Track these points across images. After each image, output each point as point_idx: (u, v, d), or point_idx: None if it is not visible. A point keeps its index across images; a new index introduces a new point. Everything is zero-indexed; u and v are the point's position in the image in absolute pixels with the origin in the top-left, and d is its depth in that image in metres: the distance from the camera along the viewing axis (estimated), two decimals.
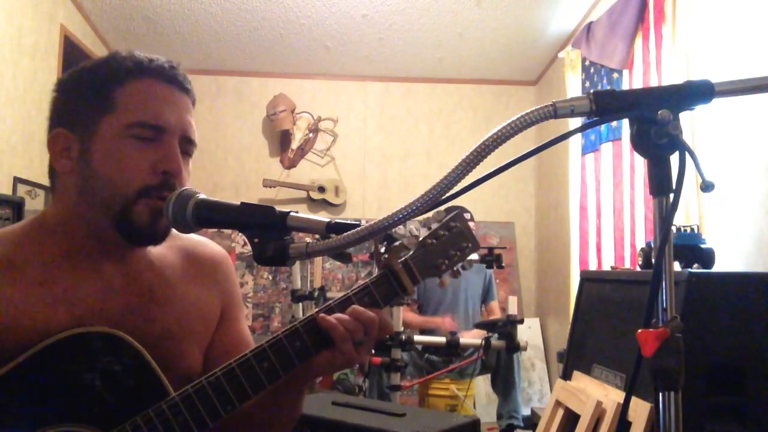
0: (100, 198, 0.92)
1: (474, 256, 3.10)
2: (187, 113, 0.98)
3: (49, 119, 0.97)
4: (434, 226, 0.95)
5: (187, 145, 0.98)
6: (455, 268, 0.96)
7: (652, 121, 0.67)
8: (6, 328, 0.85)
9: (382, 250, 0.92)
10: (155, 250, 1.03)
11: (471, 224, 3.87)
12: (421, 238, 0.94)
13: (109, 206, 0.91)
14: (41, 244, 0.93)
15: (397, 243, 0.93)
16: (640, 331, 0.67)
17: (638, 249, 2.14)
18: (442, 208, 0.77)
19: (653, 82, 2.71)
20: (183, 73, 0.99)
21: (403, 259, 0.93)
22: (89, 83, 0.94)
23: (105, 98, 0.92)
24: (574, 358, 2.03)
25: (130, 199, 0.91)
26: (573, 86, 3.69)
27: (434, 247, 0.93)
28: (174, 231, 1.07)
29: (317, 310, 0.92)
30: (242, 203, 0.88)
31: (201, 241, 1.13)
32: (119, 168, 0.91)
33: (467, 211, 3.64)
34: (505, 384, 3.43)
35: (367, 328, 0.90)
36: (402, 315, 3.19)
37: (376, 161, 4.93)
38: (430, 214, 0.94)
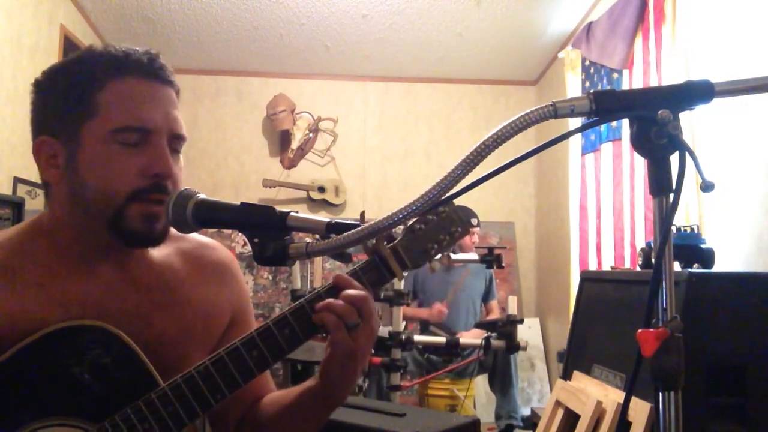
0: (93, 206, 0.90)
1: (473, 256, 3.08)
2: (172, 108, 0.94)
3: (31, 124, 0.94)
4: None
5: (175, 141, 0.95)
6: (446, 253, 0.95)
7: (652, 121, 0.67)
8: (3, 330, 0.85)
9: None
10: (157, 253, 1.01)
11: (476, 230, 3.81)
12: (409, 224, 0.92)
13: (102, 213, 0.90)
14: (38, 246, 0.93)
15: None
16: (640, 331, 0.67)
17: (638, 249, 2.14)
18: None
19: (653, 82, 2.71)
20: (163, 64, 0.95)
21: (391, 244, 0.91)
22: (68, 86, 0.91)
23: (86, 103, 0.89)
24: (574, 358, 2.03)
25: (121, 205, 0.89)
26: (573, 86, 3.69)
27: (422, 231, 0.92)
28: (180, 234, 1.05)
29: (305, 297, 0.90)
30: (242, 203, 0.87)
31: (208, 244, 1.11)
32: (107, 176, 0.89)
33: (475, 216, 3.62)
34: (502, 383, 3.43)
35: (360, 310, 0.87)
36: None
37: (376, 161, 4.93)
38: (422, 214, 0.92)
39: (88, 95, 0.90)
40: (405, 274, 0.92)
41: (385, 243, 0.90)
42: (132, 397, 0.86)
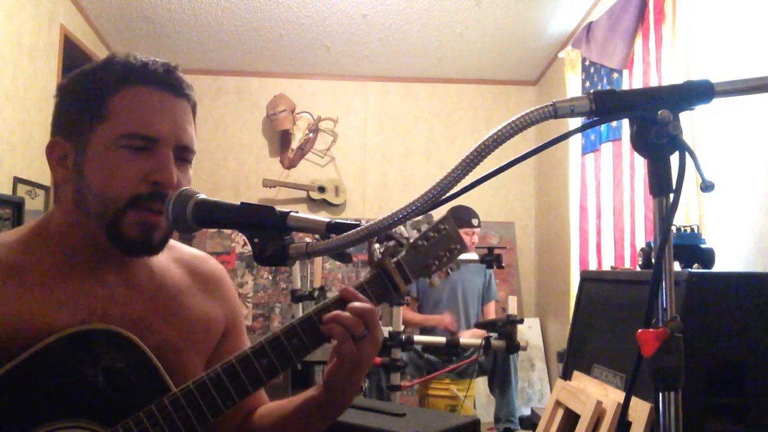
0: (93, 209, 0.91)
1: (474, 256, 3.08)
2: (183, 120, 0.95)
3: (51, 126, 0.97)
4: (424, 227, 0.97)
5: (183, 152, 0.95)
6: (444, 269, 0.99)
7: (652, 121, 0.67)
8: (9, 331, 0.85)
9: (377, 247, 0.94)
10: (157, 261, 1.02)
11: (476, 230, 3.81)
12: (411, 240, 0.96)
13: (101, 217, 0.91)
14: (44, 249, 0.93)
15: (390, 243, 0.95)
16: (640, 331, 0.67)
17: (638, 249, 2.14)
18: (449, 206, 0.79)
19: (653, 82, 2.71)
20: (180, 77, 0.96)
21: (395, 259, 0.95)
22: (84, 90, 0.93)
23: (98, 107, 0.91)
24: (574, 358, 2.03)
25: (120, 210, 0.90)
26: (573, 86, 3.69)
27: (425, 248, 0.96)
28: (176, 244, 1.09)
29: (313, 309, 0.93)
30: (242, 203, 0.87)
31: (202, 256, 1.14)
32: (109, 179, 0.90)
33: (476, 216, 3.62)
34: (501, 384, 3.42)
35: (366, 322, 0.90)
36: (402, 313, 3.18)
37: (376, 161, 4.93)
38: (420, 216, 0.95)
39: (102, 100, 0.91)
40: (416, 286, 0.97)
41: (390, 257, 0.94)
42: (144, 400, 0.87)
